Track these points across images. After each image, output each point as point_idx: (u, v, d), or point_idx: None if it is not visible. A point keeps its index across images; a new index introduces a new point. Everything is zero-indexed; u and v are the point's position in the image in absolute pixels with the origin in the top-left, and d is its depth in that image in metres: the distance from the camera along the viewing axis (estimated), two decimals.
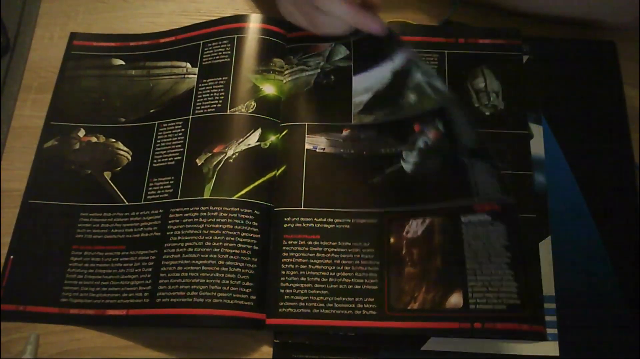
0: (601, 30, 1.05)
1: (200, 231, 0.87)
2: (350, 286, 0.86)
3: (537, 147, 0.95)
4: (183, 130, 0.96)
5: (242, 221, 0.88)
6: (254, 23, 1.01)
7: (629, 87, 1.00)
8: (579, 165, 0.94)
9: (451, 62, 1.00)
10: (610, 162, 0.95)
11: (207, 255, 0.85)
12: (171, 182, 0.92)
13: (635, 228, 0.90)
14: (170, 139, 0.96)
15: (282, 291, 0.86)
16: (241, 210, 0.89)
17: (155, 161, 0.95)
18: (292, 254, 0.88)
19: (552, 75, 1.01)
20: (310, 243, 0.88)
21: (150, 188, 0.93)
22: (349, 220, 0.89)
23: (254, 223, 0.89)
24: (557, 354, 0.83)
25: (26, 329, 0.86)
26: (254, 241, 0.88)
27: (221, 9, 1.09)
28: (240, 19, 1.02)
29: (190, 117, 0.96)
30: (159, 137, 0.97)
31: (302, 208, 0.90)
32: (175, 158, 0.94)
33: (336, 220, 0.89)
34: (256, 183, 0.90)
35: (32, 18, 1.08)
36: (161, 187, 0.93)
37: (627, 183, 0.93)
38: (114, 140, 0.98)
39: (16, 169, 0.97)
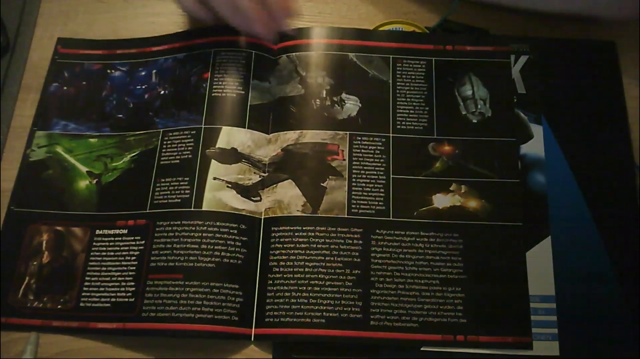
0: (601, 28, 1.03)
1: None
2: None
3: (537, 147, 0.94)
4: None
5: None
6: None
7: (629, 87, 0.98)
8: (579, 165, 0.93)
9: (438, 70, 0.99)
10: (610, 162, 0.94)
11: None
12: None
13: (635, 228, 0.89)
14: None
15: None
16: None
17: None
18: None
19: (552, 75, 0.99)
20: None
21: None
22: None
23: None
24: (558, 354, 0.83)
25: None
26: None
27: None
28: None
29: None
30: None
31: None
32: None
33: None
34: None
35: (32, 18, 1.08)
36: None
37: (627, 183, 0.93)
38: None
39: (16, 169, 0.96)
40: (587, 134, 0.96)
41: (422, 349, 0.83)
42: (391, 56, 1.00)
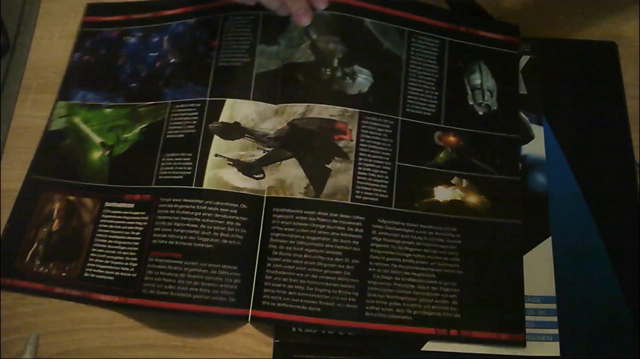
0: (601, 28, 1.03)
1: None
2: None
3: (538, 147, 0.94)
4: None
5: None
6: None
7: (630, 87, 0.98)
8: (580, 166, 0.93)
9: (451, 51, 0.98)
10: (611, 163, 0.94)
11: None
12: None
13: (636, 228, 0.89)
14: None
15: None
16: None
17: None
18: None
19: (553, 76, 0.99)
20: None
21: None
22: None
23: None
24: (558, 354, 0.83)
25: (26, 329, 0.86)
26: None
27: None
28: None
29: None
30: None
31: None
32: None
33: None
34: None
35: (32, 18, 1.08)
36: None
37: (628, 184, 0.92)
38: None
39: (16, 169, 0.97)
40: (588, 135, 0.95)
41: (422, 349, 0.83)
42: (407, 29, 0.98)
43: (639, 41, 1.02)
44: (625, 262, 0.88)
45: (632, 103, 0.97)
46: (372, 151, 0.91)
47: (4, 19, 1.04)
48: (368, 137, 0.92)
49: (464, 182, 0.91)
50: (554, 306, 0.86)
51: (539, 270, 0.87)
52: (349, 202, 0.88)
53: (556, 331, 0.84)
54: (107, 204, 0.93)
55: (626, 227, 0.90)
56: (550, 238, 0.89)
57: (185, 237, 0.87)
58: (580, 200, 0.91)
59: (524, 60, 1.00)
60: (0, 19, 1.03)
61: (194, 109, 0.95)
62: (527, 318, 0.85)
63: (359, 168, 0.90)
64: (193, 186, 0.90)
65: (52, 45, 1.07)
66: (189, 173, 0.91)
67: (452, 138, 0.93)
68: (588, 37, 1.03)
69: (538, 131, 0.95)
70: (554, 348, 0.84)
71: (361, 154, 0.91)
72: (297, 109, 0.93)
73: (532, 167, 0.93)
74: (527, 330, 0.84)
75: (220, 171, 0.90)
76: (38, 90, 1.04)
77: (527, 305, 0.86)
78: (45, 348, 0.86)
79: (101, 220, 0.93)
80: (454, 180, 0.91)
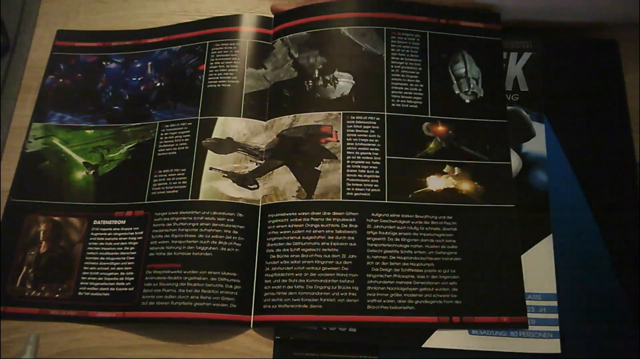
0: (603, 27, 1.03)
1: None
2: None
3: (539, 145, 0.94)
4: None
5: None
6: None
7: (631, 86, 0.98)
8: (580, 164, 0.93)
9: (433, 44, 0.99)
10: (611, 161, 0.93)
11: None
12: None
13: (636, 226, 0.89)
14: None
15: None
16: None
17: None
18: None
19: (555, 73, 0.99)
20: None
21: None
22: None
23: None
24: (559, 351, 0.83)
25: (26, 329, 0.87)
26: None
27: (222, 8, 1.09)
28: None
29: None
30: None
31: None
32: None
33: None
34: None
35: (32, 18, 1.09)
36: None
37: (628, 182, 0.92)
38: None
39: (16, 169, 0.98)
40: (589, 133, 0.95)
41: (423, 346, 0.84)
42: (385, 28, 0.99)
43: None
44: (626, 259, 0.88)
45: (633, 102, 0.97)
46: (359, 148, 0.92)
47: (4, 19, 1.04)
48: (354, 135, 0.93)
49: (456, 170, 0.92)
50: (554, 303, 0.86)
51: (539, 267, 0.88)
52: (341, 200, 0.89)
53: (557, 328, 0.85)
54: (96, 222, 0.95)
55: (626, 225, 0.90)
56: (551, 235, 0.89)
57: (183, 247, 0.89)
58: (581, 197, 0.91)
59: (525, 57, 1.00)
60: (0, 19, 1.03)
61: (186, 128, 0.97)
62: (528, 315, 0.85)
63: (348, 166, 0.91)
64: (189, 199, 0.92)
65: (52, 45, 1.07)
66: (184, 187, 0.93)
67: (440, 128, 0.94)
68: (590, 36, 1.04)
69: (539, 129, 0.95)
70: (554, 345, 0.84)
71: (349, 153, 0.92)
72: (284, 121, 0.95)
73: (533, 165, 0.93)
74: (528, 327, 0.85)
75: (216, 183, 0.93)
76: (38, 89, 1.04)
77: (528, 302, 0.86)
78: (45, 348, 0.87)
79: (90, 238, 0.94)
80: (446, 169, 0.92)
